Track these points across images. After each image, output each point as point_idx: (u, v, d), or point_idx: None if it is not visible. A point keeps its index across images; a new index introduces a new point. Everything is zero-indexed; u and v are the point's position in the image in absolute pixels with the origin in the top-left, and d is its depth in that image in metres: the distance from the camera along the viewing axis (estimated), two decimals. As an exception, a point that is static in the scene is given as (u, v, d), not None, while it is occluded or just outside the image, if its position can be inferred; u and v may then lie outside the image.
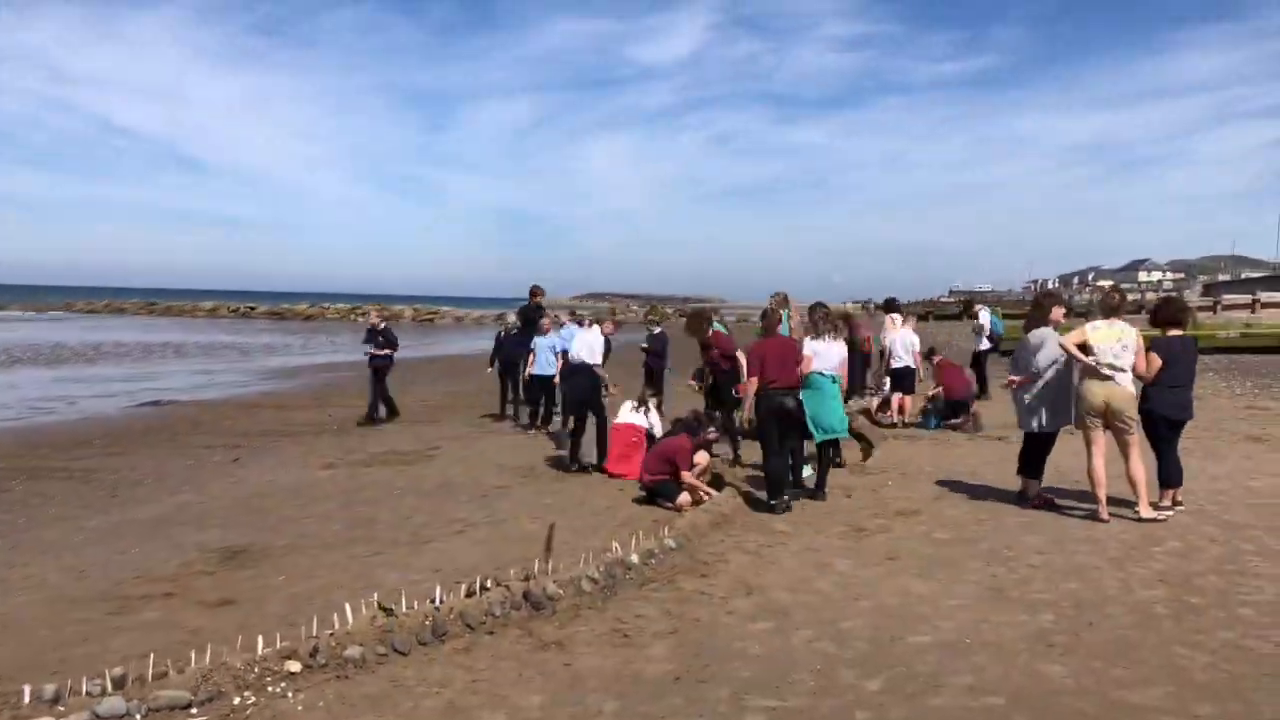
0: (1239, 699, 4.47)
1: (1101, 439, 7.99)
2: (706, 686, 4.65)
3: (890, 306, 16.46)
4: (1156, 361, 7.98)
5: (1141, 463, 7.96)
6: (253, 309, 76.60)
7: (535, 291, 14.78)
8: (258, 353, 34.76)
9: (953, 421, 13.60)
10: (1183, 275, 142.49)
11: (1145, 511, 7.87)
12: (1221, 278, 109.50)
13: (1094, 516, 7.95)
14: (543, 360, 13.24)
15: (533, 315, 14.26)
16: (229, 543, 7.53)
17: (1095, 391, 7.90)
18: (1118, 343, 7.88)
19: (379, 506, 8.91)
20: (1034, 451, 8.52)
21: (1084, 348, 7.92)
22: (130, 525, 8.20)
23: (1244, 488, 9.27)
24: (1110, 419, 7.95)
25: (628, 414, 10.73)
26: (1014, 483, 9.05)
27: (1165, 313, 8.36)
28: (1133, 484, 7.92)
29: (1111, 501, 7.99)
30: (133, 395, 18.43)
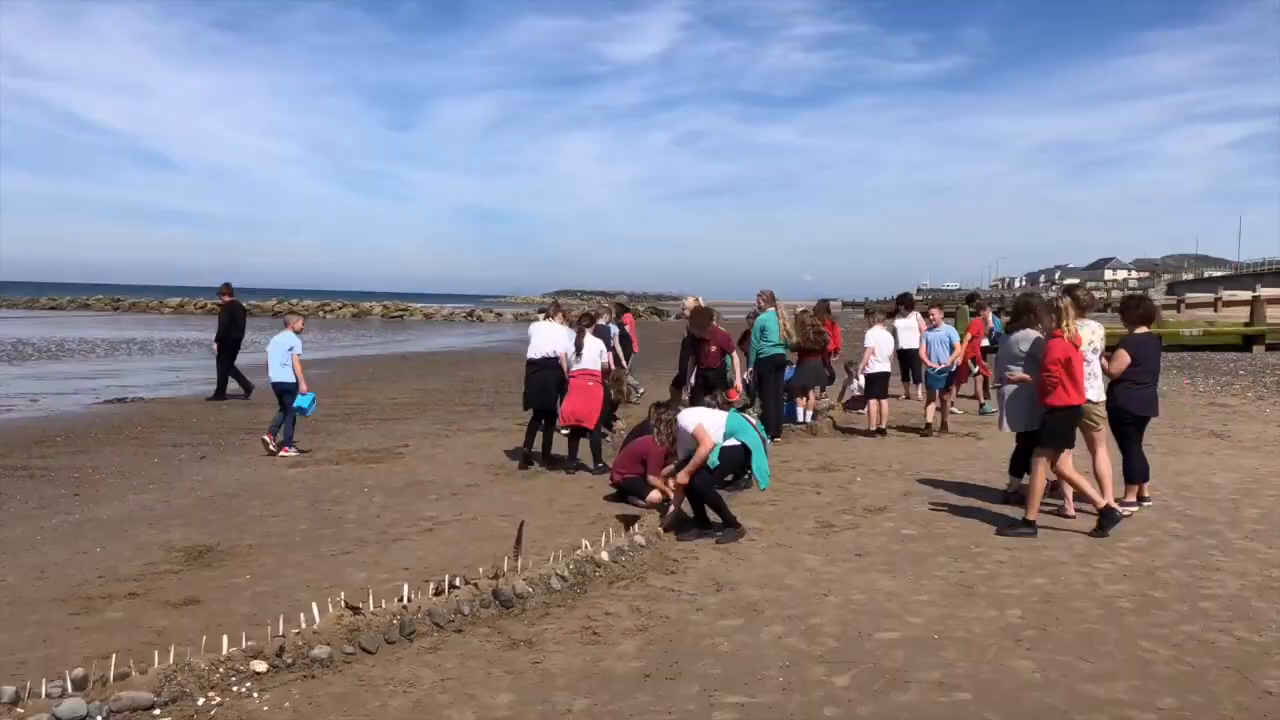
0: (1201, 691, 4.53)
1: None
2: (676, 684, 4.64)
3: (904, 301, 16.62)
4: (1126, 359, 8.03)
5: (1109, 459, 8.04)
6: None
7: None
8: (225, 350, 34.32)
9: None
10: (1147, 274, 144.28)
11: (1123, 508, 7.90)
12: (1185, 276, 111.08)
13: (1060, 513, 8.02)
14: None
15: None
16: (194, 542, 7.44)
17: None
18: (1088, 346, 7.89)
19: (347, 505, 8.84)
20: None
21: None
22: (93, 524, 8.06)
23: (1206, 483, 9.40)
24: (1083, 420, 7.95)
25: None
26: (983, 479, 9.15)
27: (1137, 312, 8.42)
28: (1099, 479, 7.98)
29: (1076, 498, 8.04)
30: (97, 393, 18.15)
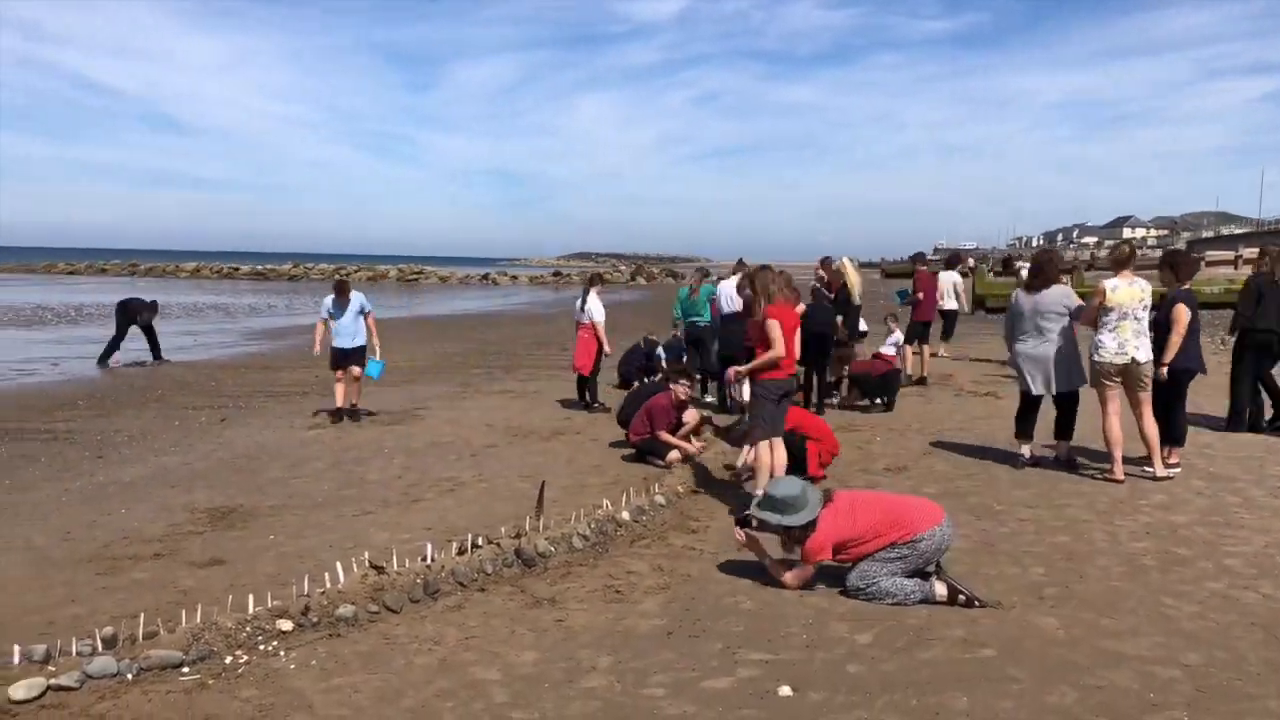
0: (1226, 648, 4.51)
1: (1118, 399, 7.85)
2: (699, 641, 4.66)
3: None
4: (1187, 315, 7.88)
5: (1154, 420, 7.92)
6: (236, 270, 75.92)
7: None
8: (242, 313, 34.52)
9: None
10: (1167, 232, 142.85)
11: (1160, 469, 7.82)
12: (1205, 234, 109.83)
13: (1108, 476, 7.83)
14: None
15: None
16: (217, 503, 7.49)
17: (1115, 359, 7.74)
18: (1139, 302, 7.71)
19: (368, 466, 8.88)
20: (1032, 413, 8.45)
21: (1102, 308, 7.76)
22: (116, 486, 8.13)
23: (1229, 441, 9.34)
24: (1129, 379, 7.81)
25: None
26: (1005, 437, 9.09)
27: (1189, 267, 8.32)
28: (1147, 442, 7.85)
29: (1100, 456, 7.99)
30: (117, 356, 18.25)
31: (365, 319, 11.71)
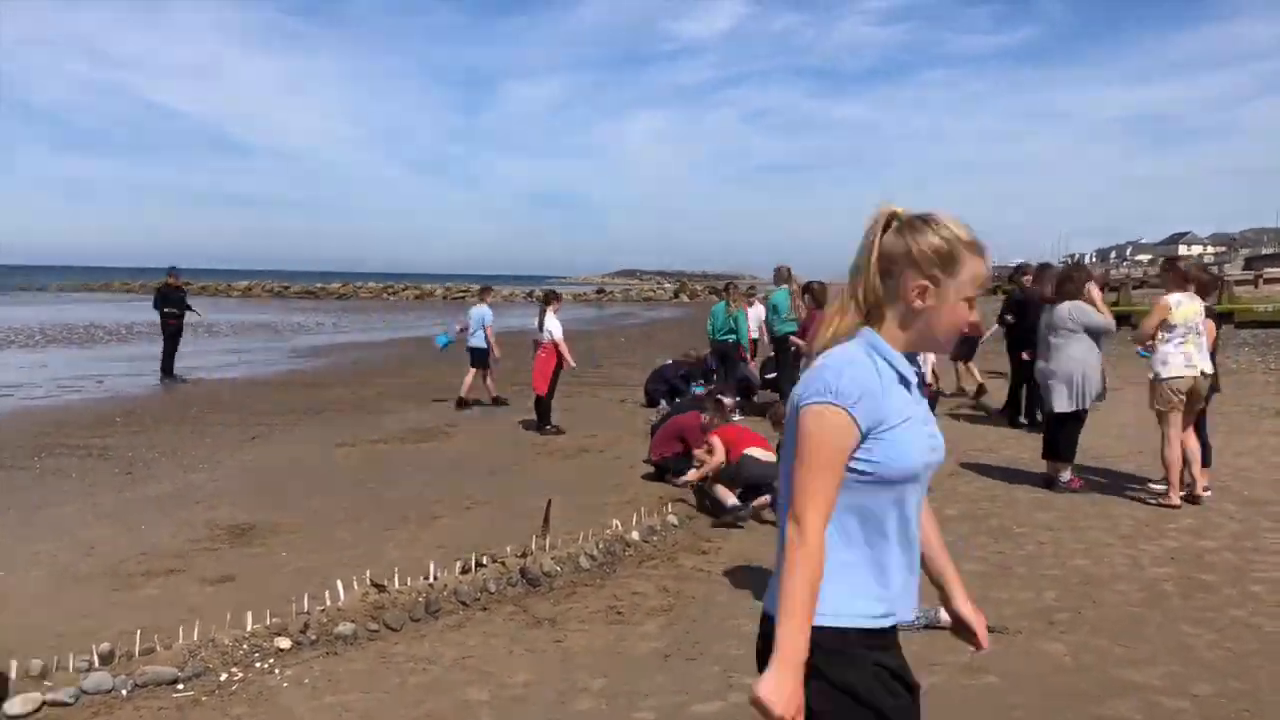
0: (1241, 677, 4.36)
1: (1180, 420, 7.59)
2: (695, 664, 4.61)
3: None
4: (1214, 331, 7.75)
5: (1196, 439, 7.72)
6: (287, 288, 77.21)
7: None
8: (289, 331, 35.01)
9: None
10: (1225, 248, 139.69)
11: (1201, 490, 7.63)
12: (1265, 251, 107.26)
13: (1162, 503, 7.53)
14: None
15: None
16: (237, 520, 7.58)
17: (1185, 372, 7.52)
18: (1199, 316, 7.55)
19: (391, 484, 8.93)
20: (1068, 432, 8.27)
21: (1164, 325, 7.57)
22: (142, 503, 8.27)
23: (1268, 464, 9.06)
24: (1193, 395, 7.57)
25: None
26: (1031, 458, 8.91)
27: (1209, 283, 8.21)
28: (1189, 460, 7.64)
29: (1142, 481, 7.77)
30: (160, 374, 18.60)
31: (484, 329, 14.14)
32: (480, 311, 14.31)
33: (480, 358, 14.22)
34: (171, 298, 18.43)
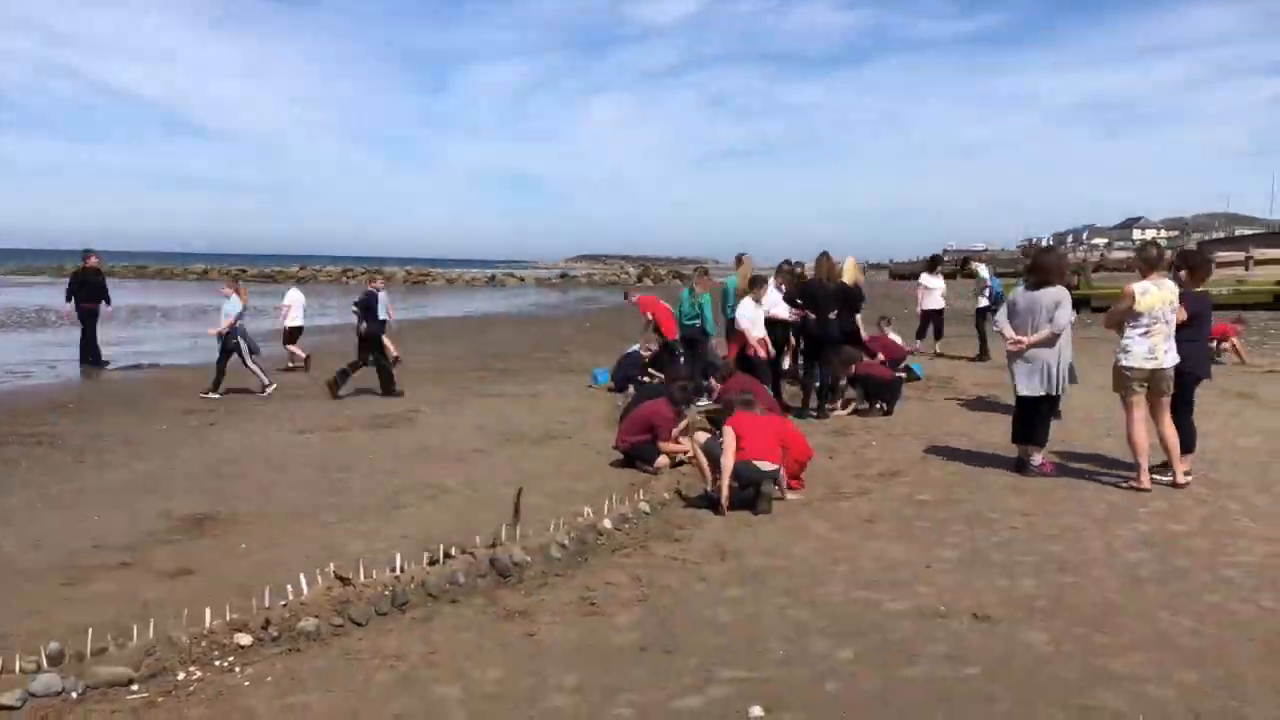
0: (1223, 665, 4.32)
1: (1144, 406, 7.59)
2: (673, 657, 4.48)
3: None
4: (1183, 315, 7.64)
5: (1173, 426, 7.64)
6: (244, 272, 75.90)
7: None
8: (246, 316, 34.31)
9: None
10: (1177, 233, 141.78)
11: (1181, 478, 7.58)
12: (1216, 235, 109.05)
13: (1132, 485, 7.53)
14: None
15: None
16: (193, 510, 7.33)
17: (1144, 364, 7.49)
18: (1169, 305, 7.46)
19: (353, 472, 8.71)
20: (1033, 415, 8.22)
21: (1130, 313, 7.52)
22: (94, 492, 7.98)
23: (1232, 446, 9.12)
24: (1154, 385, 7.54)
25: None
26: (1003, 442, 8.88)
27: (1204, 269, 8.18)
28: (1168, 448, 7.60)
29: (1112, 464, 7.76)
30: (113, 360, 18.13)
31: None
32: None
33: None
34: (91, 282, 17.63)
